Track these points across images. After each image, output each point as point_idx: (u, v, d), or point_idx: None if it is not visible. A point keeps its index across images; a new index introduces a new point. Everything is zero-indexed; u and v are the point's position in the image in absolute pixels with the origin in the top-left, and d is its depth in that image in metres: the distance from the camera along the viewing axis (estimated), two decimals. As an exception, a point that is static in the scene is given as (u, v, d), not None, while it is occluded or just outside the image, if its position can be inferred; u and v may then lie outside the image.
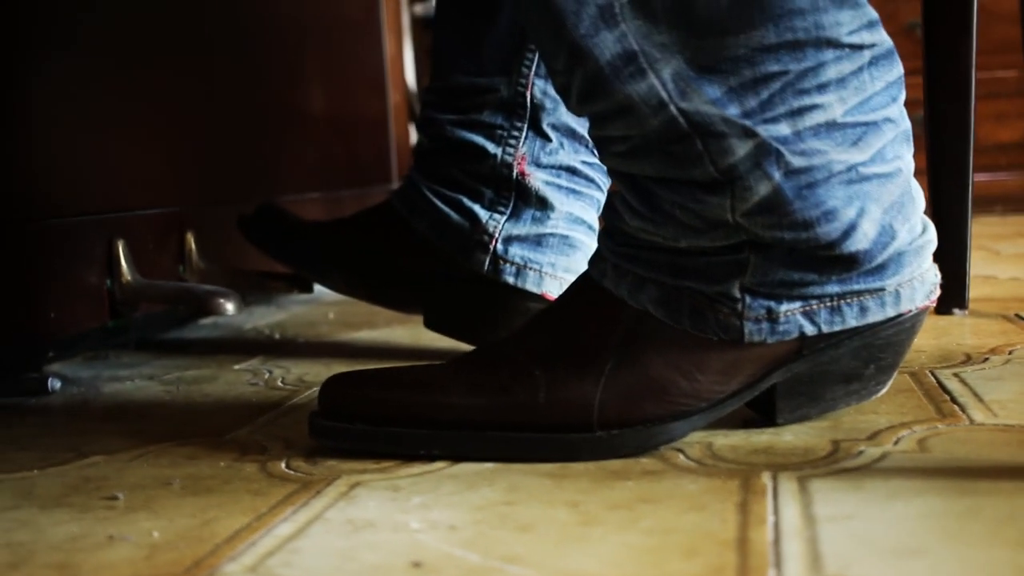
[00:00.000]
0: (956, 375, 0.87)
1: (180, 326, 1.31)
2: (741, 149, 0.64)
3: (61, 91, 1.00)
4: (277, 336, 1.26)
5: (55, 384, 0.97)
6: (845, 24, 0.65)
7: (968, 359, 0.93)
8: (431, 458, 0.70)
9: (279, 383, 0.97)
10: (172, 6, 1.16)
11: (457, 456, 0.69)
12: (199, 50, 1.21)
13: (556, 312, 0.73)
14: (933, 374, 0.88)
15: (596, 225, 1.05)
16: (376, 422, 0.70)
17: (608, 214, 0.73)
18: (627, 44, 0.64)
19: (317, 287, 1.15)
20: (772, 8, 0.63)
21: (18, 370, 0.99)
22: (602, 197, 1.05)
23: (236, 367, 1.06)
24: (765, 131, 0.64)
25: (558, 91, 0.70)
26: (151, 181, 1.12)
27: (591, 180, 1.04)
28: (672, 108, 0.64)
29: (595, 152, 1.03)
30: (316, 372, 1.01)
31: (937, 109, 1.12)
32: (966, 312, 1.15)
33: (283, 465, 0.71)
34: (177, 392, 0.96)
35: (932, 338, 1.01)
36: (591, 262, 0.74)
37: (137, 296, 1.03)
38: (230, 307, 0.99)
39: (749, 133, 0.64)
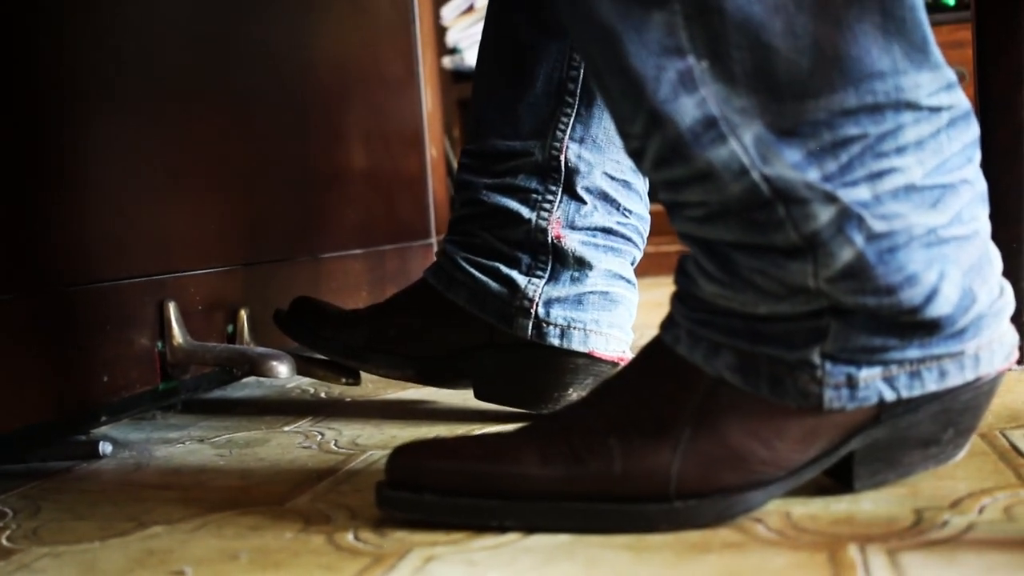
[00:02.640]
0: (1028, 437, 0.85)
1: (223, 385, 1.29)
2: (824, 214, 0.63)
3: (109, 154, 1.00)
4: (323, 395, 1.24)
5: (106, 448, 0.96)
6: (924, 86, 0.64)
7: (1037, 419, 0.91)
8: (503, 530, 0.68)
9: (333, 446, 0.96)
10: (216, 68, 1.16)
11: (530, 528, 0.68)
12: (243, 110, 1.21)
13: (628, 378, 0.72)
14: (1004, 435, 0.86)
15: (634, 279, 1.04)
16: (446, 493, 0.69)
17: (680, 279, 0.72)
18: (707, 109, 0.63)
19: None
20: (853, 71, 0.62)
21: (68, 433, 0.99)
22: (638, 254, 1.05)
23: (286, 428, 1.05)
24: (846, 195, 0.63)
25: (630, 154, 0.69)
26: (199, 242, 1.11)
27: (627, 238, 1.03)
28: (754, 174, 0.63)
29: (627, 214, 1.02)
30: (369, 434, 1.00)
31: (991, 162, 1.11)
32: (1024, 368, 1.13)
33: (351, 537, 0.69)
34: (230, 456, 0.95)
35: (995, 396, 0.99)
36: (663, 327, 0.72)
37: (188, 359, 1.02)
38: (284, 370, 0.98)
39: (831, 198, 0.63)
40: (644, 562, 0.62)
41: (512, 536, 0.67)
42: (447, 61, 2.99)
